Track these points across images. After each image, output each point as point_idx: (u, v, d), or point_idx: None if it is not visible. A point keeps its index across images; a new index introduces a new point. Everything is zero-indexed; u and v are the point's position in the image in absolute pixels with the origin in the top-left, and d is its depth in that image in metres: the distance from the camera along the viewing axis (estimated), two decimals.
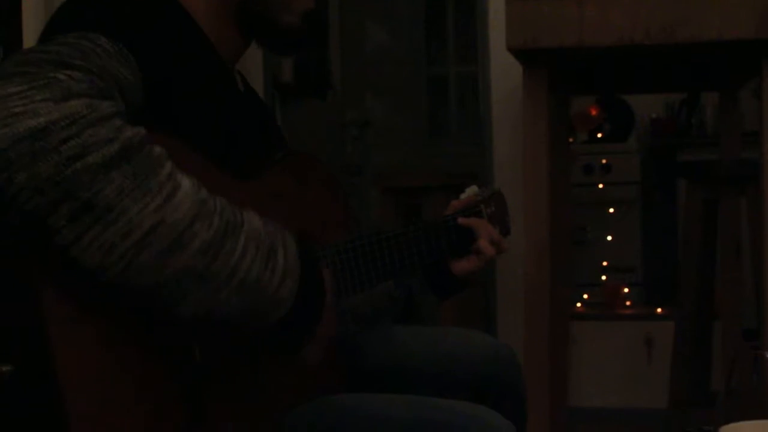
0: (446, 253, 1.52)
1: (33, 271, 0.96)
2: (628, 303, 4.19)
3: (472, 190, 1.61)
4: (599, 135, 4.59)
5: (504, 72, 3.62)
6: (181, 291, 0.97)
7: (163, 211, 0.94)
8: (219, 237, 0.99)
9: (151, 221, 0.93)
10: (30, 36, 2.28)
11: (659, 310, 4.00)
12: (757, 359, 1.16)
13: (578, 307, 4.25)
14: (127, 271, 0.94)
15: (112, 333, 1.01)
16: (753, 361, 1.17)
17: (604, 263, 4.47)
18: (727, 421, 0.92)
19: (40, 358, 0.95)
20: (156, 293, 0.97)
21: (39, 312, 0.95)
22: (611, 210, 4.49)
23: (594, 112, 4.47)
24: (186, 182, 0.98)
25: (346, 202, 1.46)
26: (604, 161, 4.48)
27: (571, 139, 4.08)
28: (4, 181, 0.88)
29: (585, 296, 4.35)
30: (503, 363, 1.50)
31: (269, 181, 1.29)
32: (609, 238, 4.47)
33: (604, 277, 4.42)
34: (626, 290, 4.20)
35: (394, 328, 1.59)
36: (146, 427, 1.04)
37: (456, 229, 1.53)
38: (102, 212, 0.91)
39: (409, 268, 1.47)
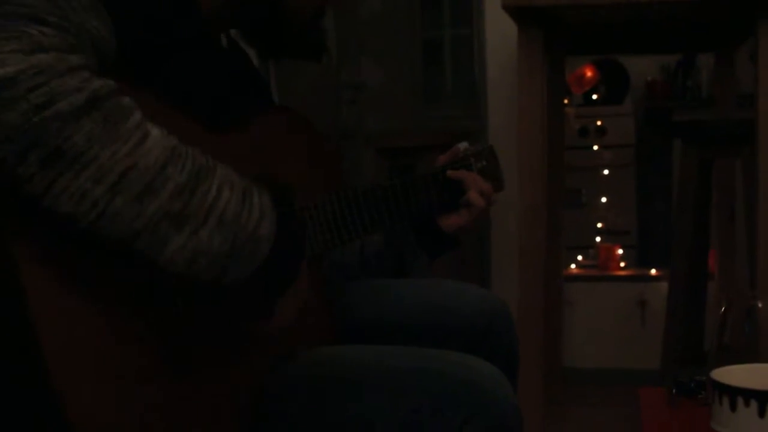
0: (434, 206, 1.52)
1: (5, 225, 0.95)
2: (622, 265, 4.19)
3: (462, 145, 1.60)
4: (594, 97, 4.57)
5: (499, 34, 3.61)
6: (160, 237, 0.98)
7: (134, 156, 0.95)
8: (192, 179, 0.99)
9: (123, 166, 0.94)
10: None
11: (653, 271, 4.01)
12: (751, 309, 1.17)
13: (572, 269, 4.26)
14: (102, 218, 0.94)
15: (89, 284, 1.01)
16: (746, 312, 1.18)
17: (599, 225, 4.47)
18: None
19: (10, 286, 0.95)
20: (136, 243, 0.97)
21: (12, 260, 0.95)
22: (606, 172, 4.49)
23: (590, 73, 4.45)
24: (156, 130, 0.98)
25: (334, 161, 1.45)
26: (599, 123, 4.47)
27: (566, 101, 4.06)
28: None
29: (579, 258, 4.36)
30: (496, 316, 1.50)
31: (252, 135, 1.29)
32: (603, 200, 4.47)
33: (598, 239, 4.42)
34: (620, 252, 4.20)
35: (385, 280, 1.59)
36: (127, 373, 1.04)
37: (444, 181, 1.52)
38: (72, 159, 0.91)
39: (396, 220, 1.46)
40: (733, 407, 0.85)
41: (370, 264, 1.61)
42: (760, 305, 1.16)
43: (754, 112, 2.41)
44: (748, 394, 0.84)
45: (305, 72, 3.88)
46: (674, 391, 1.34)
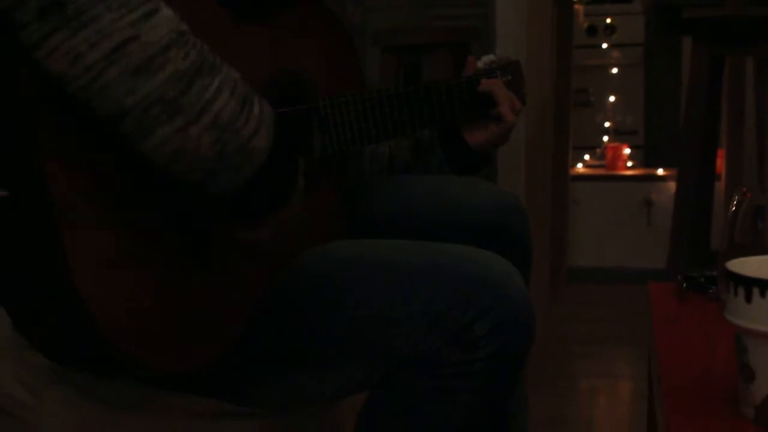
0: (460, 115, 1.49)
1: (25, 95, 0.94)
2: (629, 164, 4.18)
3: (488, 58, 1.57)
4: None
5: None
6: (148, 122, 0.94)
7: (138, 27, 0.91)
8: (193, 70, 0.95)
9: (123, 35, 0.90)
10: None
11: (660, 171, 4.00)
12: (763, 206, 1.17)
13: (579, 169, 4.25)
14: (92, 86, 0.91)
15: (110, 158, 1.00)
16: (757, 209, 1.18)
17: (606, 125, 4.45)
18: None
19: (35, 184, 0.94)
20: (123, 122, 0.94)
21: (32, 138, 0.94)
22: (614, 71, 4.45)
23: None
24: (168, 10, 0.94)
25: (356, 59, 1.43)
26: (608, 21, 4.41)
27: None
28: None
29: (586, 158, 4.35)
30: (510, 211, 1.48)
31: (278, 26, 1.26)
32: (611, 99, 4.44)
33: (605, 139, 4.41)
34: (627, 152, 4.19)
35: (398, 176, 1.58)
36: (142, 252, 1.04)
37: (472, 91, 1.50)
38: (72, 14, 0.88)
39: (418, 125, 1.45)
40: (749, 298, 0.85)
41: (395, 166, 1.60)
42: None
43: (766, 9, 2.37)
44: (765, 285, 0.83)
45: None
46: (684, 285, 1.34)
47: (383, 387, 1.21)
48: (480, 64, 1.57)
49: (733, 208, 1.22)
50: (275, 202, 1.13)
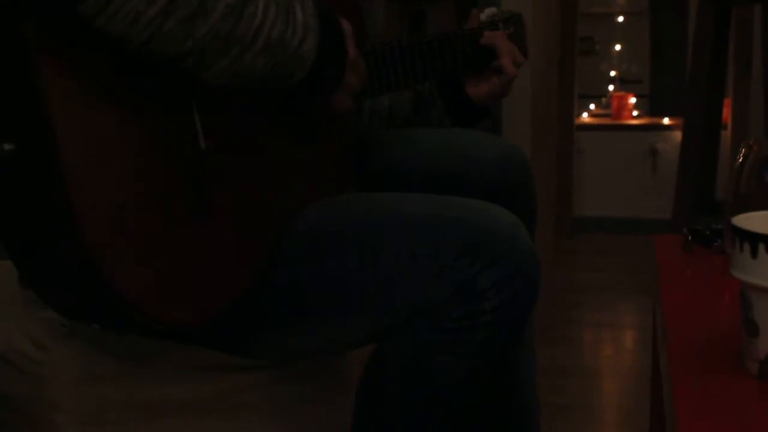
0: (463, 67, 1.49)
1: (32, 47, 0.95)
2: (634, 114, 4.17)
3: (491, 11, 1.56)
4: None
5: None
6: (207, 58, 0.99)
7: None
8: (240, 1, 1.00)
9: None
10: None
11: (666, 120, 3.98)
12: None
13: (584, 118, 4.23)
14: (153, 39, 0.95)
15: (115, 112, 1.01)
16: (764, 160, 1.17)
17: (612, 74, 4.42)
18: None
19: (41, 137, 0.95)
20: (183, 63, 0.99)
21: (39, 89, 0.94)
22: (620, 20, 4.41)
23: None
24: None
25: (359, 9, 1.42)
26: None
27: None
28: None
29: (591, 107, 4.33)
30: (515, 165, 1.48)
31: None
32: (617, 48, 4.41)
33: (611, 88, 4.38)
34: (633, 101, 4.16)
35: (403, 129, 1.57)
36: (148, 204, 1.04)
37: (475, 43, 1.49)
38: None
39: (421, 77, 1.44)
40: (755, 254, 0.85)
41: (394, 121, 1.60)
42: None
43: None
44: None
45: None
46: (690, 238, 1.34)
47: (389, 340, 1.22)
48: (483, 17, 1.56)
49: (740, 160, 1.21)
50: (333, 84, 1.19)
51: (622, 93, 4.23)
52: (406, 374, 1.21)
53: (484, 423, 1.59)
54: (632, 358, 2.60)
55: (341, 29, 1.18)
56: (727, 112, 3.42)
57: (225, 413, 1.33)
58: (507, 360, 1.28)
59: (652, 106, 4.37)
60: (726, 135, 3.44)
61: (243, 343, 1.28)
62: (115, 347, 1.25)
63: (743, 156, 1.20)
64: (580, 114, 4.19)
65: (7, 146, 0.96)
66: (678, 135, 3.33)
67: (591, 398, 2.29)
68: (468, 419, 1.31)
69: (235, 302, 1.15)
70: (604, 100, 4.33)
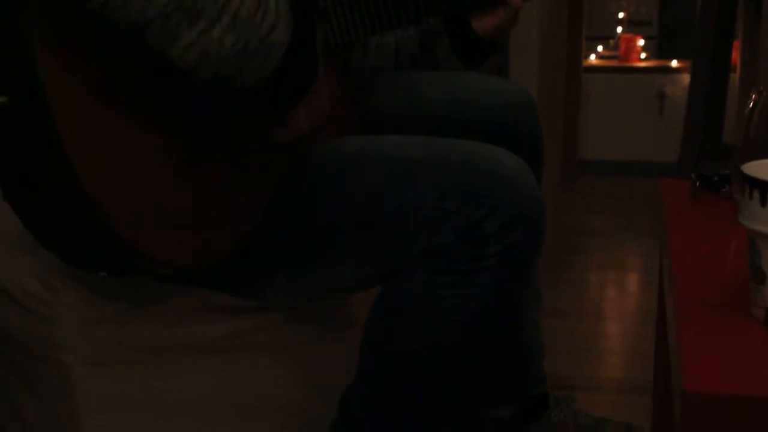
0: (468, 4, 1.47)
1: (22, 2, 0.94)
2: (642, 56, 4.13)
3: None
4: None
5: None
6: (171, 30, 0.95)
7: None
8: None
9: None
10: None
11: (674, 63, 3.96)
12: None
13: (592, 60, 4.20)
14: (107, 4, 0.91)
15: (105, 61, 1.00)
16: None
17: (620, 15, 4.38)
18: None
19: (33, 89, 0.94)
20: (146, 33, 0.95)
21: (29, 41, 0.94)
22: None
23: None
24: None
25: None
26: None
27: None
28: None
29: (599, 49, 4.29)
30: (521, 108, 1.47)
31: None
32: None
33: (619, 30, 4.34)
34: (641, 43, 4.13)
35: (409, 73, 1.56)
36: (145, 150, 1.04)
37: None
38: None
39: (425, 13, 1.42)
40: (764, 202, 0.85)
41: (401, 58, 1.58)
42: None
43: None
44: None
45: None
46: (697, 184, 1.33)
47: (394, 283, 1.22)
48: None
49: (750, 105, 1.21)
50: (298, 92, 1.13)
51: (630, 35, 4.19)
52: (410, 316, 1.22)
53: (486, 364, 1.60)
54: (637, 301, 2.61)
55: (314, 34, 1.12)
56: (736, 55, 3.39)
57: (234, 354, 1.35)
58: (511, 302, 1.28)
59: (660, 48, 4.33)
60: (735, 78, 3.41)
61: (253, 287, 1.29)
62: (124, 289, 1.26)
63: (753, 102, 1.20)
64: (587, 56, 4.16)
65: (0, 99, 0.96)
66: (686, 78, 3.31)
67: (595, 340, 2.31)
68: (471, 360, 1.32)
69: (238, 246, 1.16)
70: (612, 42, 4.29)
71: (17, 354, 1.33)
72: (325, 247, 1.24)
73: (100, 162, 0.99)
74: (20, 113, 0.96)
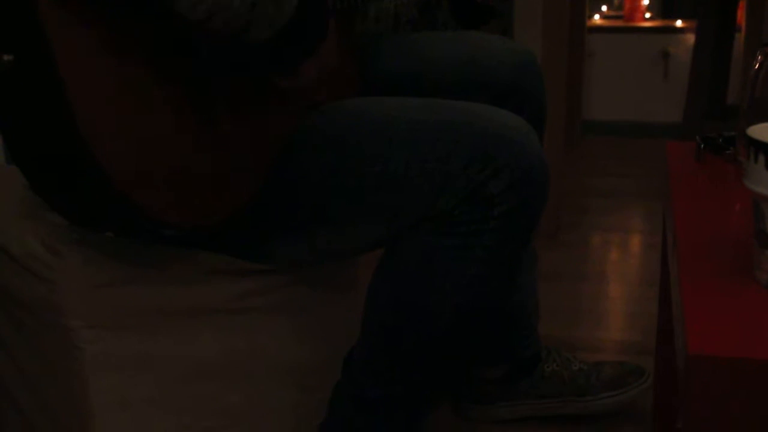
0: None
1: None
2: (647, 16, 4.11)
3: None
4: None
5: None
6: None
7: None
8: None
9: None
10: None
11: (678, 23, 3.93)
12: None
13: (596, 20, 4.17)
14: None
15: (112, 25, 0.99)
16: None
17: None
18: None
19: (40, 47, 0.94)
20: None
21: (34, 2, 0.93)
22: None
23: None
24: None
25: None
26: None
27: None
28: None
29: (603, 8, 4.26)
30: (525, 69, 1.47)
31: None
32: None
33: None
34: (645, 2, 4.10)
35: (413, 34, 1.55)
36: (151, 107, 1.04)
37: None
38: None
39: None
40: None
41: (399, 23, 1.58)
42: None
43: None
44: None
45: None
46: (702, 146, 1.33)
47: (399, 244, 1.23)
48: None
49: (756, 66, 1.20)
50: (309, 48, 1.13)
51: None
52: (414, 277, 1.23)
53: (481, 326, 1.61)
54: (639, 263, 2.61)
55: None
56: (741, 15, 3.37)
57: (239, 317, 1.35)
58: (513, 264, 1.29)
59: (664, 8, 4.31)
60: (740, 38, 3.39)
61: (258, 249, 1.29)
62: (128, 253, 1.26)
63: (759, 63, 1.19)
64: (591, 16, 4.13)
65: (6, 57, 0.95)
66: (691, 38, 3.29)
67: (597, 302, 2.31)
68: (468, 323, 1.33)
69: (243, 208, 1.16)
70: (616, 1, 4.26)
71: (19, 313, 1.34)
72: (327, 210, 1.24)
73: (106, 117, 0.99)
74: (27, 71, 0.96)
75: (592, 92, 3.87)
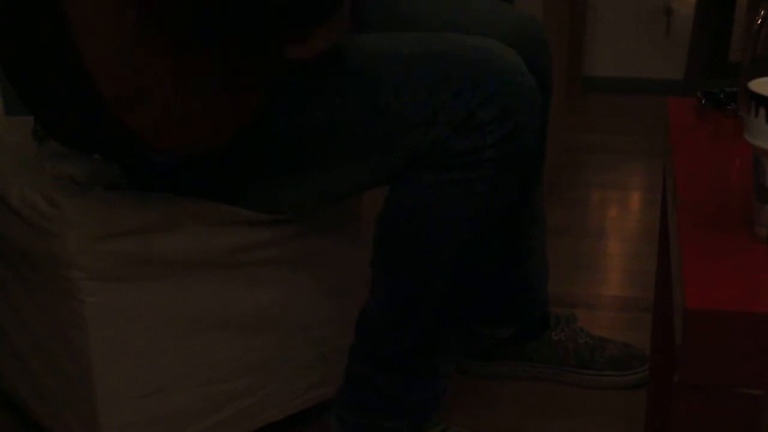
0: None
1: None
2: None
3: None
4: None
5: None
6: None
7: None
8: None
9: None
10: None
11: None
12: None
13: None
14: None
15: None
16: None
17: None
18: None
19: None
20: None
21: None
22: None
23: None
24: None
25: None
26: None
27: None
28: None
29: None
30: (530, 39, 1.45)
31: None
32: None
33: None
34: None
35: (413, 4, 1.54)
36: (144, 32, 1.04)
37: None
38: None
39: None
40: None
41: None
42: None
43: None
44: None
45: None
46: (703, 101, 1.32)
47: (399, 185, 1.23)
48: None
49: (759, 22, 1.19)
50: (324, 11, 1.14)
51: None
52: (418, 216, 1.23)
53: (490, 287, 1.62)
54: (638, 219, 2.61)
55: None
56: None
57: (242, 269, 1.36)
58: (513, 202, 1.28)
59: None
60: None
61: (254, 196, 1.29)
62: (127, 205, 1.26)
63: (761, 18, 1.18)
64: None
65: None
66: None
67: (596, 259, 2.31)
68: (475, 280, 1.33)
69: (233, 142, 1.15)
70: None
71: (20, 264, 1.34)
72: (320, 150, 1.25)
73: (101, 38, 0.99)
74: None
75: (593, 48, 3.85)
